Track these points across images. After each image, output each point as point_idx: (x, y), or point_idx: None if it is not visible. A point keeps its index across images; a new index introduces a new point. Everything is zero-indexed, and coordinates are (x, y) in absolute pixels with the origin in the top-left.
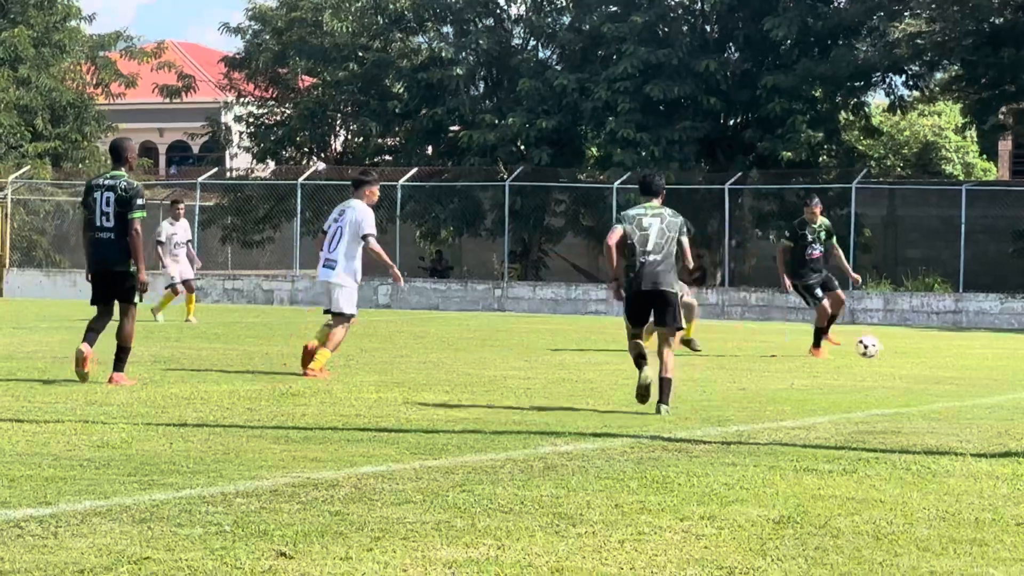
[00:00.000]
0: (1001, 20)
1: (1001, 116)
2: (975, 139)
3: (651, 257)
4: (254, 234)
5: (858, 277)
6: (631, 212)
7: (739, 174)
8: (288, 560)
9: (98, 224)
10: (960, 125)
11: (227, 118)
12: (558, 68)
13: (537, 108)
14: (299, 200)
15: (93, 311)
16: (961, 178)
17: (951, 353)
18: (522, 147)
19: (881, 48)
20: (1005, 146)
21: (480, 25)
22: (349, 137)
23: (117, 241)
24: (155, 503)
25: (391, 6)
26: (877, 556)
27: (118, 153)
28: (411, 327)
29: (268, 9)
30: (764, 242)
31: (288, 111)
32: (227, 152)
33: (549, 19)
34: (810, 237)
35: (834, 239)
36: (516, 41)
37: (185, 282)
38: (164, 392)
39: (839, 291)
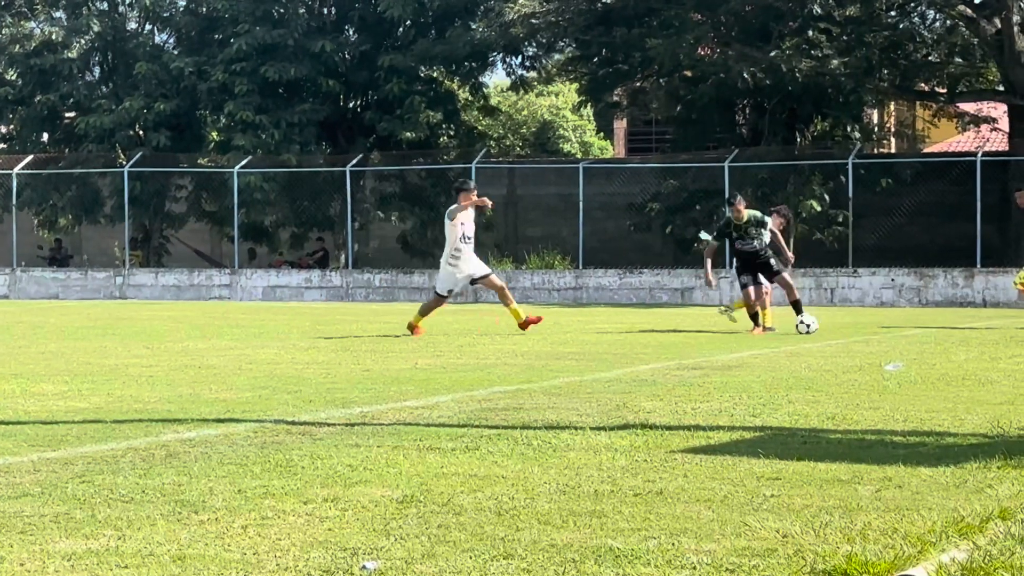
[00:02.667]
0: (612, 0)
1: (616, 96)
2: (591, 118)
3: None
4: None
5: (791, 256)
6: None
7: (360, 156)
8: None
9: None
10: (576, 104)
11: None
12: (175, 52)
13: (155, 92)
14: None
15: None
16: (579, 156)
17: (572, 329)
18: (141, 132)
19: (497, 28)
20: (620, 125)
21: (94, 9)
22: None
23: None
24: None
25: None
26: (499, 531)
27: None
28: (30, 317)
29: None
30: (387, 224)
31: None
32: None
33: (164, 2)
34: (736, 234)
35: (768, 226)
36: (132, 25)
37: None
38: None
39: (784, 275)
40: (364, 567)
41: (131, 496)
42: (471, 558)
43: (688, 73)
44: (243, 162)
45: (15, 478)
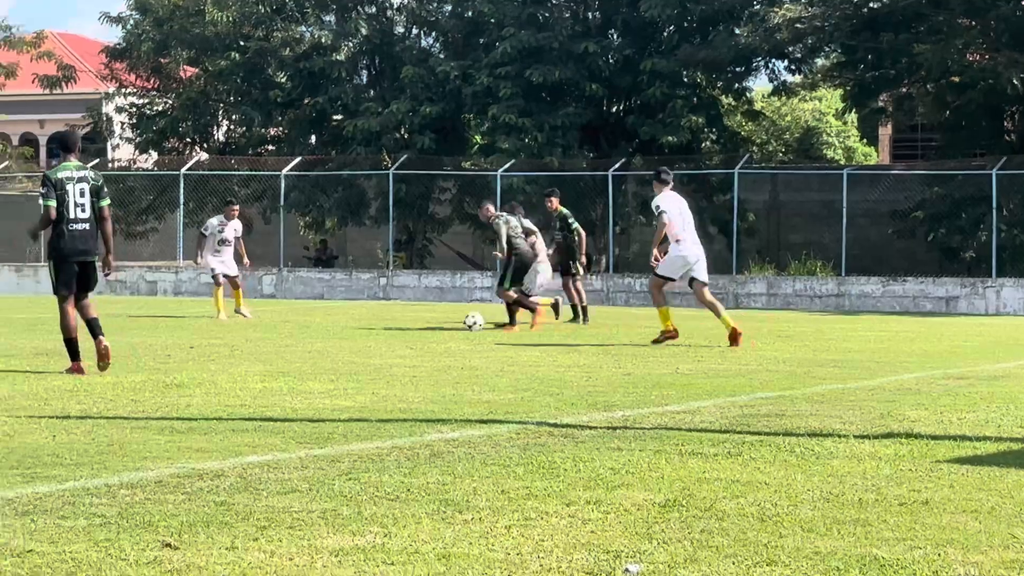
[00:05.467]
0: (879, 5)
1: (881, 102)
2: (855, 124)
3: None
4: (137, 225)
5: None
6: None
7: (622, 160)
8: (173, 551)
9: (72, 216)
10: (840, 110)
11: (108, 109)
12: (441, 56)
13: (421, 95)
14: (182, 191)
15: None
16: (842, 163)
17: (834, 336)
18: (406, 135)
19: (762, 33)
20: (885, 131)
21: (362, 13)
22: (232, 127)
23: (93, 231)
24: (38, 496)
25: None
26: (762, 537)
27: (72, 144)
28: (296, 316)
29: None
30: (648, 228)
31: (170, 101)
32: (109, 143)
33: (432, 6)
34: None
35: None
36: (399, 29)
37: (230, 278)
38: (47, 384)
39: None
40: (627, 570)
41: (396, 494)
42: (734, 564)
43: (955, 79)
44: (506, 165)
45: (284, 474)
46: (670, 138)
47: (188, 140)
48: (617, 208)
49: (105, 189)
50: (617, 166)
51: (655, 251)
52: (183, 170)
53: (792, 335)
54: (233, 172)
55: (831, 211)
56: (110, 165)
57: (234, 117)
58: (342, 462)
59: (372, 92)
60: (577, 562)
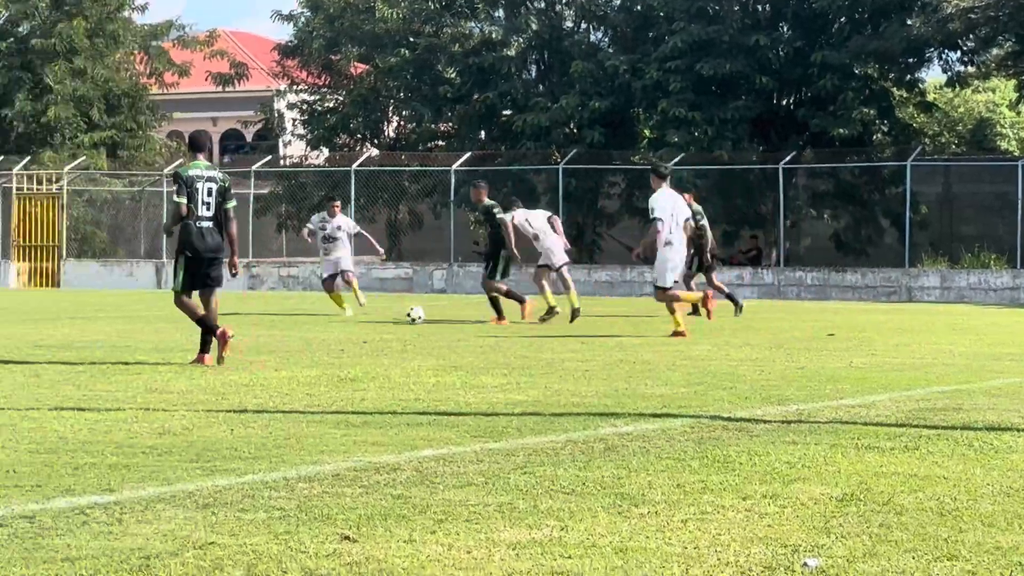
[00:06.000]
0: None
1: None
2: None
3: None
4: (308, 221)
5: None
6: None
7: (793, 153)
8: (352, 543)
9: (199, 213)
10: (1014, 100)
11: (280, 106)
12: (610, 50)
13: (590, 90)
14: (353, 186)
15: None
16: (1016, 154)
17: (1010, 330)
18: (575, 129)
19: (934, 23)
20: None
21: (531, 8)
22: (402, 123)
23: (218, 229)
24: (218, 489)
25: None
26: (942, 532)
27: (202, 143)
28: (467, 311)
29: None
30: (819, 222)
31: (341, 98)
32: (280, 140)
33: (601, 0)
34: (483, 219)
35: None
36: (568, 23)
37: (341, 272)
38: (223, 379)
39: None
40: (805, 564)
41: (572, 488)
42: (913, 558)
43: None
44: (676, 159)
45: (460, 468)
46: (841, 130)
47: (358, 136)
48: (788, 201)
49: (231, 191)
50: (788, 159)
51: (638, 249)
52: (354, 166)
53: (967, 328)
54: (403, 168)
55: (1005, 203)
56: (281, 162)
57: (404, 113)
58: (517, 456)
59: (541, 87)
60: (755, 556)
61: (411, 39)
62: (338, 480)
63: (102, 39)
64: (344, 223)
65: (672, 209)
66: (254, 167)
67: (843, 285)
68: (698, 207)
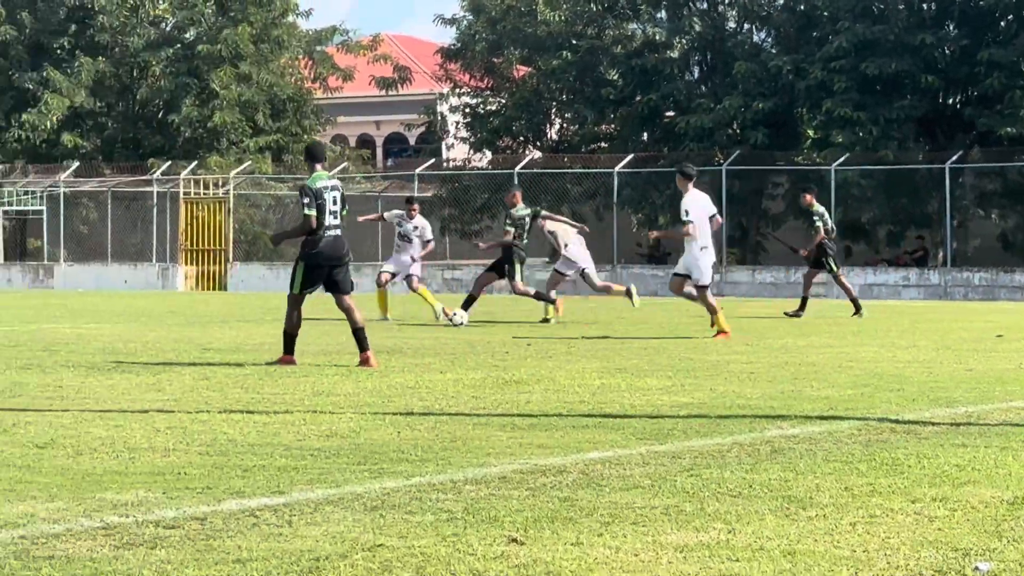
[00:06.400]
0: None
1: None
2: None
3: None
4: (472, 224)
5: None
6: None
7: (959, 152)
8: (520, 546)
9: (327, 223)
10: None
11: (443, 109)
12: (773, 51)
13: (753, 91)
14: None
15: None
16: None
17: None
18: (738, 130)
19: None
20: None
21: (694, 9)
22: (564, 125)
23: (343, 235)
24: (386, 491)
25: None
26: None
27: (321, 154)
28: (631, 314)
29: None
30: (987, 222)
31: (503, 100)
32: (443, 143)
33: (764, 0)
34: (508, 223)
35: (537, 220)
36: (731, 24)
37: (407, 277)
38: (389, 382)
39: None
40: (977, 568)
41: (739, 491)
42: None
43: None
44: (841, 159)
45: (625, 470)
46: (1009, 129)
47: (521, 139)
48: (954, 201)
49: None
50: (954, 158)
51: (656, 233)
52: (517, 168)
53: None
54: (566, 170)
55: None
56: (445, 164)
57: (566, 115)
58: (683, 458)
59: (704, 88)
60: (925, 560)
61: (573, 41)
62: (505, 482)
63: (267, 44)
64: (421, 225)
65: (702, 211)
66: (418, 170)
67: (1012, 286)
68: (820, 208)
